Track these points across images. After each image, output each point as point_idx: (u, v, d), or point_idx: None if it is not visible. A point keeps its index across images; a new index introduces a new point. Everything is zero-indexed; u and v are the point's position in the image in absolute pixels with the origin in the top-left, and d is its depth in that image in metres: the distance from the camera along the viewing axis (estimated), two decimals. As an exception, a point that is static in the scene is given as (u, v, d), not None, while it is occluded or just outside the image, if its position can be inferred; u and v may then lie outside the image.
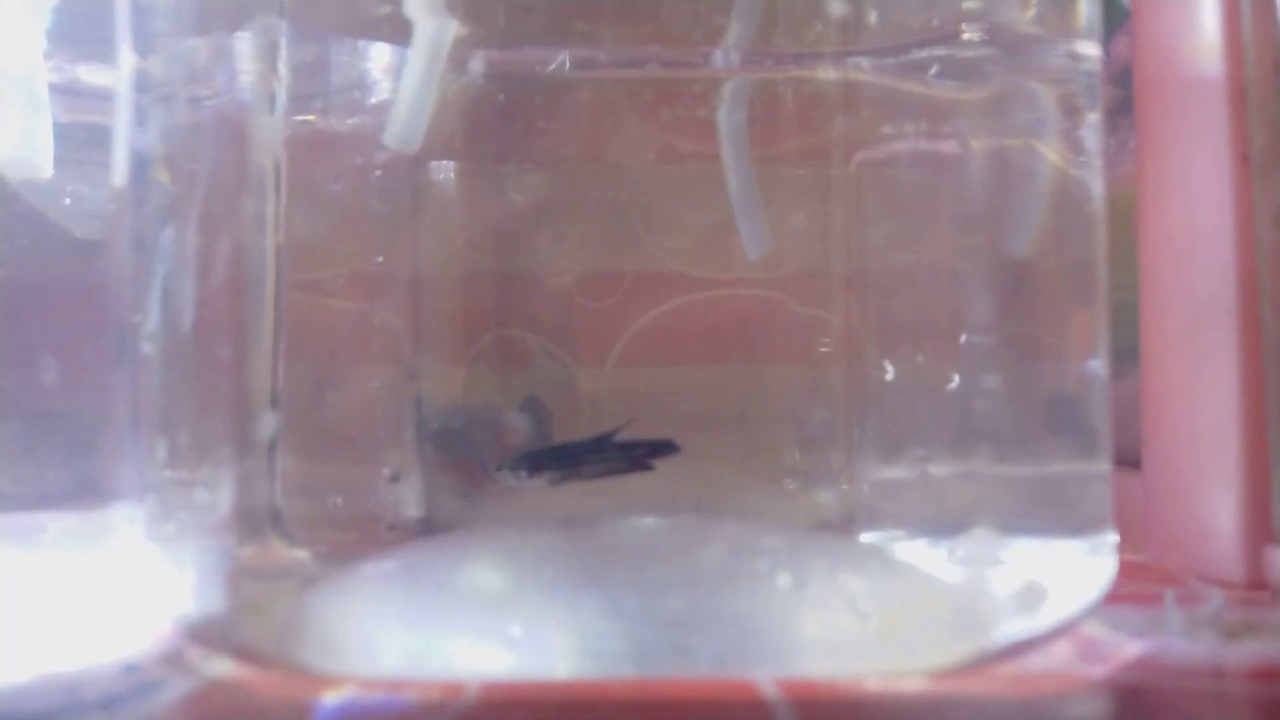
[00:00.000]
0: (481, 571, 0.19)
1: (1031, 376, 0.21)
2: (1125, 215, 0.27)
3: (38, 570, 0.22)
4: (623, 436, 0.21)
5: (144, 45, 0.23)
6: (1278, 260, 0.23)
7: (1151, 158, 0.26)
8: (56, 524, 0.23)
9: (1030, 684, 0.18)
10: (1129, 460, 0.27)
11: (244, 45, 0.21)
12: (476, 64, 0.21)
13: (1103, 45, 0.28)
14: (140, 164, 0.24)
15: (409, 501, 0.22)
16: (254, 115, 0.21)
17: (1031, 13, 0.22)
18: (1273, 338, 0.23)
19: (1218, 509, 0.24)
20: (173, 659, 0.19)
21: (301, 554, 0.21)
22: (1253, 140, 0.23)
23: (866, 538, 0.21)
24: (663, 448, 0.21)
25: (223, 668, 0.18)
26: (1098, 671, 0.18)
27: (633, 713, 0.16)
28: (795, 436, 0.22)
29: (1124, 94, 0.28)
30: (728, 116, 0.22)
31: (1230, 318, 0.23)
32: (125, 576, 0.22)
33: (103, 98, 0.24)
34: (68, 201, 0.24)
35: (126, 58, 0.24)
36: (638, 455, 0.21)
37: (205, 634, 0.19)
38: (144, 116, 0.23)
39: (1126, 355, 0.26)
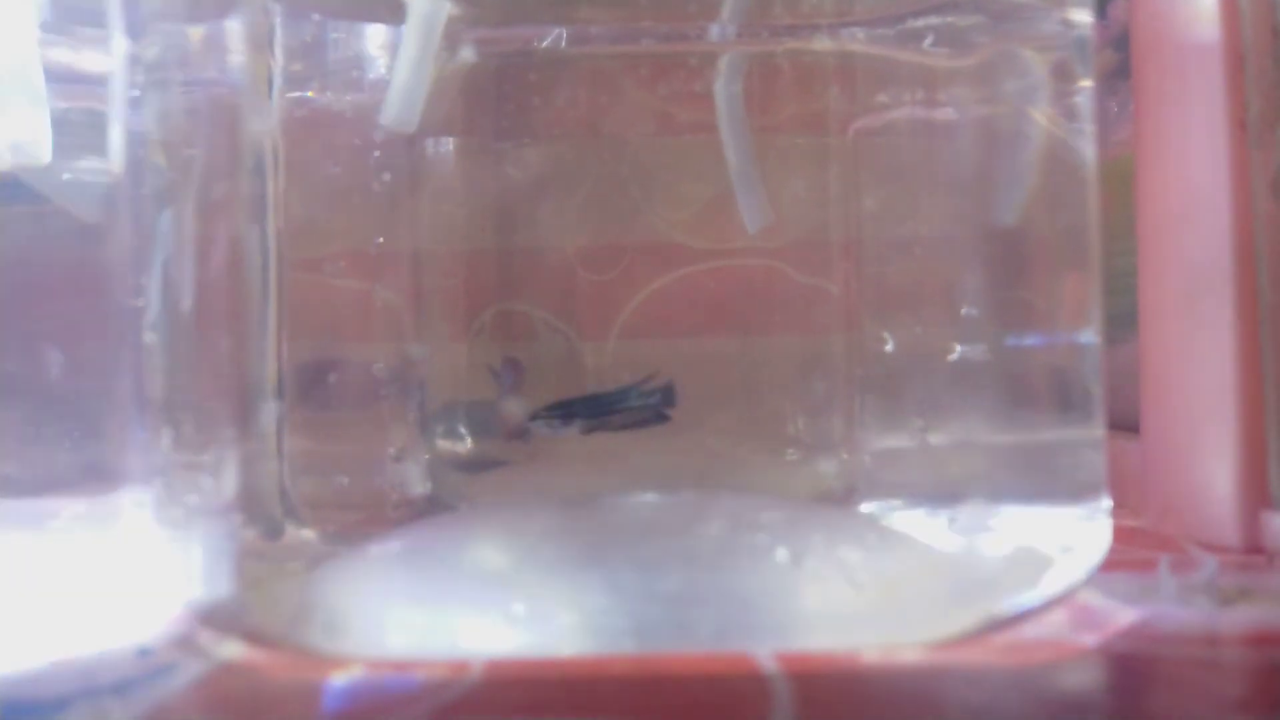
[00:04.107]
0: (484, 551, 0.19)
1: (1027, 343, 0.21)
2: (1125, 180, 0.27)
3: (51, 555, 0.23)
4: (643, 389, 0.21)
5: (137, 30, 0.23)
6: (1274, 227, 0.23)
7: (1148, 123, 0.26)
8: (67, 509, 0.23)
9: (1025, 653, 0.18)
10: (1127, 426, 0.27)
11: (237, 28, 0.21)
12: (471, 42, 0.21)
13: (1101, 9, 0.28)
14: (139, 149, 0.24)
15: (414, 479, 0.22)
16: (249, 98, 0.21)
17: (1025, -19, 0.22)
18: (1269, 304, 0.23)
19: (1214, 474, 0.24)
20: (184, 642, 0.19)
21: (309, 534, 0.21)
22: (1249, 106, 0.23)
23: (867, 507, 0.22)
24: (669, 395, 0.21)
25: (234, 650, 0.19)
26: (1091, 639, 0.18)
27: (634, 688, 0.17)
28: (797, 407, 0.22)
29: (1123, 58, 0.27)
30: (725, 89, 0.22)
31: (1227, 284, 0.23)
32: (136, 561, 0.22)
33: (98, 84, 0.24)
34: (68, 188, 0.24)
35: (120, 43, 0.24)
36: (654, 405, 0.21)
37: (215, 617, 0.19)
38: (140, 101, 0.23)
39: (1125, 321, 0.26)
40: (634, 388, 0.21)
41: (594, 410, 0.21)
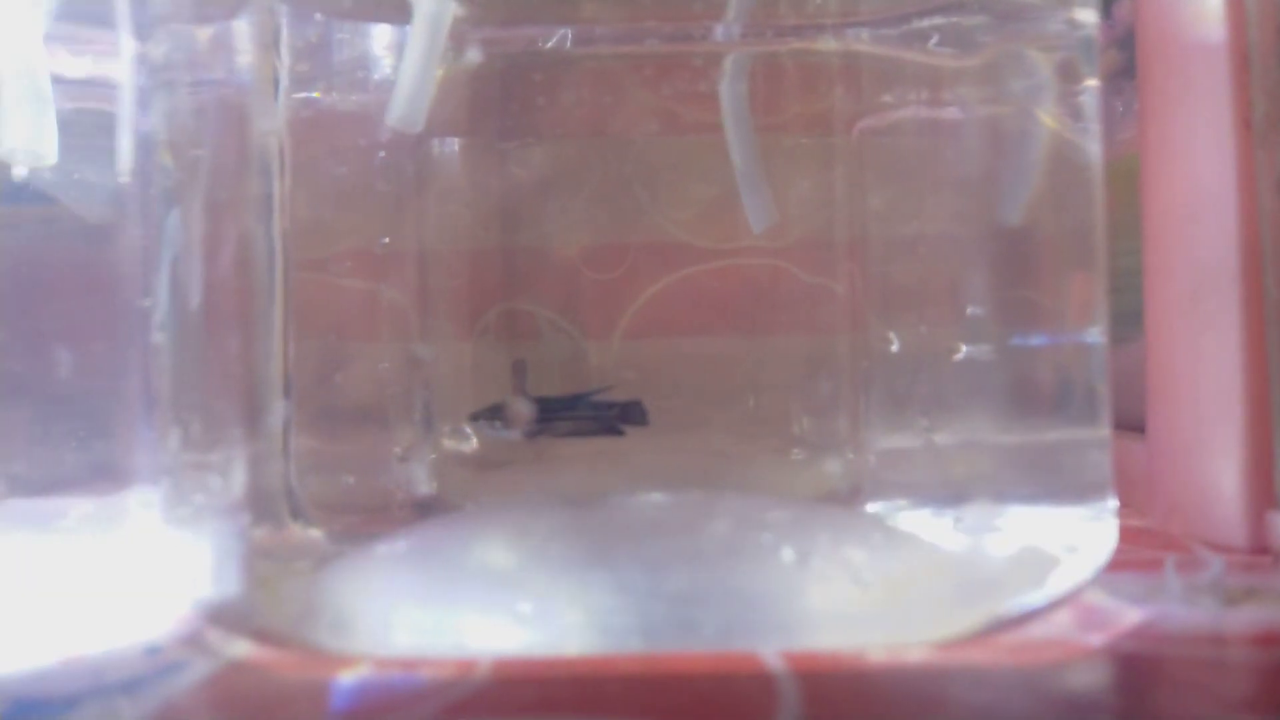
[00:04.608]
0: (491, 550, 0.19)
1: (1033, 343, 0.21)
2: (1131, 180, 0.27)
3: (59, 555, 0.23)
4: (599, 399, 0.21)
5: (145, 31, 0.24)
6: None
7: (1154, 123, 0.26)
8: (75, 509, 0.23)
9: (1030, 653, 0.18)
10: (1133, 425, 0.27)
11: (244, 28, 0.21)
12: (477, 42, 0.21)
13: (1106, 9, 0.28)
14: (147, 149, 0.24)
15: (420, 479, 0.22)
16: (256, 98, 0.21)
17: (1030, -20, 0.22)
18: (1275, 304, 0.23)
19: (1220, 474, 0.24)
20: (193, 641, 0.19)
21: (316, 533, 0.21)
22: (1255, 106, 0.23)
23: (872, 508, 0.22)
24: (632, 412, 0.21)
25: (242, 649, 0.19)
26: (1097, 640, 0.19)
27: (641, 686, 0.17)
28: (802, 406, 0.22)
29: (1128, 57, 0.27)
30: (730, 88, 0.22)
31: (1233, 284, 0.23)
32: (144, 560, 0.22)
33: (106, 84, 0.24)
34: (75, 188, 0.24)
35: (127, 44, 0.24)
36: (609, 417, 0.21)
37: (223, 616, 0.19)
38: (148, 102, 0.23)
39: (1131, 321, 0.26)
40: (584, 396, 0.21)
41: (539, 414, 0.21)
